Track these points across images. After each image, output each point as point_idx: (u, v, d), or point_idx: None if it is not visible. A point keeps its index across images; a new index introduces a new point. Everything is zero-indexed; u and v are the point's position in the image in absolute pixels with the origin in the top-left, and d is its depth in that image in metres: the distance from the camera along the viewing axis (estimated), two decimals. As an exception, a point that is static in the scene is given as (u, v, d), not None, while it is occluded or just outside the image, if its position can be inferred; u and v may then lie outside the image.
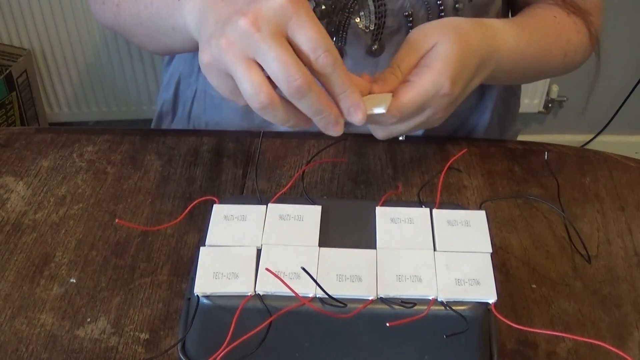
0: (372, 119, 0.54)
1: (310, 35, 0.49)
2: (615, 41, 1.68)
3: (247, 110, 0.77)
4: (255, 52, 0.48)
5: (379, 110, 0.53)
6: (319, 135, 0.74)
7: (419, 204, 0.56)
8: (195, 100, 0.83)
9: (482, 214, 0.55)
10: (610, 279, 0.60)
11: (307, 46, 0.49)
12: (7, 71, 1.59)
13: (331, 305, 0.47)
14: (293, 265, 0.49)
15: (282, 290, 0.47)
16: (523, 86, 0.91)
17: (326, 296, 0.47)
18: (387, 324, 0.47)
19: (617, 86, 1.78)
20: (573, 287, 0.59)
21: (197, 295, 0.49)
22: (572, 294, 0.59)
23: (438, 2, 0.68)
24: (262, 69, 0.49)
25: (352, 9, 0.68)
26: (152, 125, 0.91)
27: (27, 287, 0.58)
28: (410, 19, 0.68)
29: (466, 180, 0.69)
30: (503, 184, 0.69)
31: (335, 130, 0.52)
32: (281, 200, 0.55)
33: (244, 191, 0.67)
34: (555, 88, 1.79)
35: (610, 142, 1.88)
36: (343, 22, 0.68)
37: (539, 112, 1.83)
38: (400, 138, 0.59)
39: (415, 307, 0.47)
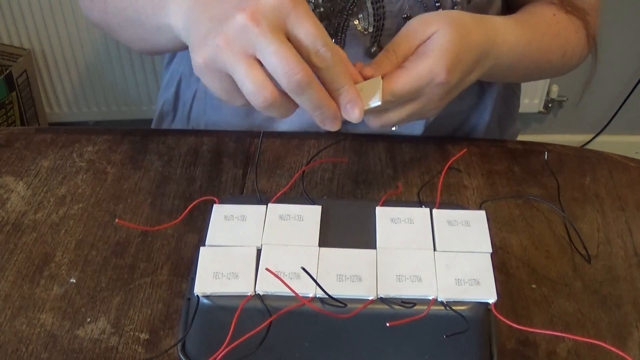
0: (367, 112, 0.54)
1: (308, 30, 0.48)
2: (615, 41, 1.68)
3: (247, 110, 0.77)
4: (255, 48, 0.48)
5: (375, 103, 0.53)
6: (319, 135, 0.74)
7: (419, 204, 0.56)
8: (195, 100, 0.83)
9: (482, 214, 0.55)
10: (610, 279, 0.60)
11: (306, 40, 0.49)
12: (7, 71, 1.59)
13: (331, 305, 0.48)
14: (293, 265, 0.49)
15: (282, 290, 0.47)
16: (523, 86, 0.91)
17: (326, 296, 0.47)
18: (387, 324, 0.47)
19: (617, 86, 1.78)
20: (573, 287, 0.59)
21: (197, 295, 0.49)
22: (572, 294, 0.59)
23: (436, 5, 0.68)
24: (262, 66, 0.48)
25: (350, 12, 0.68)
26: (153, 125, 0.91)
27: (27, 287, 0.58)
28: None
29: (466, 180, 0.69)
30: (503, 184, 0.69)
31: (333, 125, 0.52)
32: (281, 200, 0.55)
33: (244, 191, 0.67)
34: (555, 88, 1.79)
35: (610, 142, 1.88)
36: (342, 24, 0.68)
37: (539, 112, 1.83)
38: (393, 128, 0.59)
39: (415, 307, 0.47)
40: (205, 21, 0.50)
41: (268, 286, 0.48)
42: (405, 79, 0.55)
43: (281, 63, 0.47)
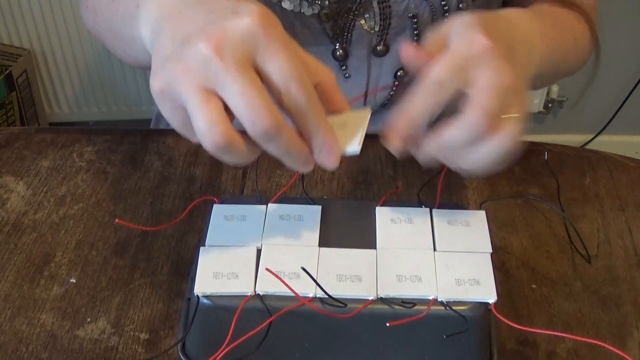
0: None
1: (281, 65, 0.42)
2: (615, 41, 1.68)
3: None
4: (216, 84, 0.42)
5: (353, 149, 0.46)
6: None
7: (419, 204, 0.56)
8: None
9: (482, 214, 0.55)
10: (610, 279, 0.60)
11: (278, 77, 0.42)
12: (7, 71, 1.59)
13: (331, 305, 0.48)
14: (293, 265, 0.49)
15: (282, 290, 0.47)
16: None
17: (326, 296, 0.47)
18: (387, 324, 0.47)
19: (617, 86, 1.78)
20: (573, 287, 0.59)
21: (197, 295, 0.49)
22: (572, 294, 0.59)
23: (442, 2, 0.68)
24: (222, 102, 0.42)
25: (356, 12, 0.68)
26: (151, 126, 0.91)
27: (27, 287, 0.58)
28: (415, 20, 0.68)
29: (466, 180, 0.69)
30: (503, 184, 0.69)
31: (303, 170, 0.46)
32: (281, 200, 0.55)
33: (244, 191, 0.67)
34: (555, 88, 1.79)
35: (610, 142, 1.88)
36: (348, 24, 0.68)
37: (539, 112, 1.83)
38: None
39: (415, 307, 0.47)
40: (168, 41, 0.44)
41: (268, 286, 0.48)
42: (436, 63, 0.46)
43: (246, 106, 0.41)
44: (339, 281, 0.49)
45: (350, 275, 0.49)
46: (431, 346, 0.50)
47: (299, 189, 0.65)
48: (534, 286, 0.59)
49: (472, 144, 0.46)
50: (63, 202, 0.66)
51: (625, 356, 0.51)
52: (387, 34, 0.69)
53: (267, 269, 0.49)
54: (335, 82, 0.47)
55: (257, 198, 0.56)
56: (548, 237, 0.64)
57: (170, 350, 0.53)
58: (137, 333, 0.55)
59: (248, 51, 0.42)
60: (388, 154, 0.72)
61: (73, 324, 0.56)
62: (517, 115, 0.46)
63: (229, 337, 0.46)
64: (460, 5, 0.68)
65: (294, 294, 0.47)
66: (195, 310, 0.49)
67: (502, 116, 0.45)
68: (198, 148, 0.72)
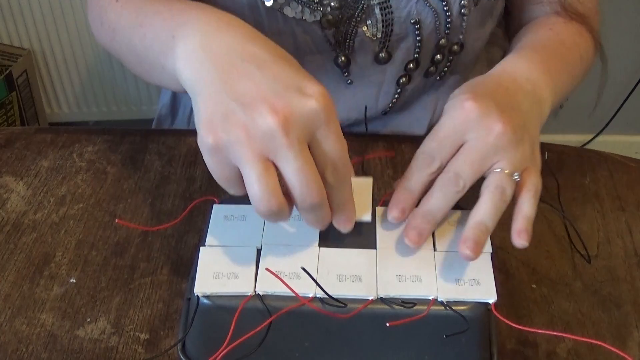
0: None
1: (333, 147, 0.46)
2: (616, 41, 1.68)
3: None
4: (275, 155, 0.44)
5: (366, 218, 0.52)
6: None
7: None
8: None
9: (482, 214, 0.55)
10: (610, 279, 0.60)
11: (329, 157, 0.46)
12: (7, 71, 1.59)
13: (331, 305, 0.48)
14: (293, 265, 0.49)
15: (282, 290, 0.47)
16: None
17: (326, 296, 0.47)
18: (387, 324, 0.47)
19: (617, 86, 1.78)
20: (573, 287, 0.59)
21: (197, 295, 0.49)
22: (572, 294, 0.59)
23: (445, 9, 0.67)
24: (277, 171, 0.45)
25: (359, 18, 0.67)
26: (153, 126, 0.91)
27: (27, 287, 0.58)
28: (418, 26, 0.68)
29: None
30: (503, 184, 0.69)
31: (319, 229, 0.51)
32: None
33: (244, 191, 0.67)
34: (555, 88, 1.78)
35: (610, 142, 1.87)
36: (350, 31, 0.68)
37: (539, 112, 1.82)
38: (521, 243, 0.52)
39: (415, 307, 0.47)
40: (224, 96, 0.45)
41: (268, 286, 0.48)
42: (428, 137, 0.53)
43: (301, 182, 0.45)
44: (339, 281, 0.49)
45: (350, 275, 0.49)
46: (431, 346, 0.50)
47: (299, 189, 0.65)
48: (534, 286, 0.59)
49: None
50: (63, 202, 0.66)
51: (625, 356, 0.51)
52: (389, 40, 0.69)
53: (267, 269, 0.49)
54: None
55: (257, 198, 0.56)
56: (548, 237, 0.64)
57: (170, 350, 0.53)
58: (137, 333, 0.55)
59: (309, 131, 0.45)
60: (388, 154, 0.72)
61: (73, 324, 0.56)
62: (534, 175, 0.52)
63: (229, 337, 0.46)
64: (463, 11, 0.68)
65: (294, 294, 0.47)
66: (195, 310, 0.49)
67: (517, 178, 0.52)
68: (198, 148, 0.72)
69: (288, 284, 0.47)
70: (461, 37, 0.71)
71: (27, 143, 0.73)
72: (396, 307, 0.48)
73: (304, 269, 0.48)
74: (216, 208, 0.54)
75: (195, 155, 0.71)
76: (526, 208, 0.51)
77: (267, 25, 0.67)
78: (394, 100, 0.75)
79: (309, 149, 0.46)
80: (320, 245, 0.52)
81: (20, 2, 1.56)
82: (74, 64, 1.68)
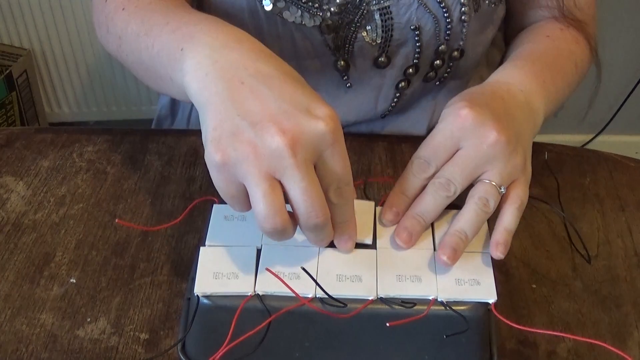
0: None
1: (338, 168, 0.47)
2: (615, 41, 1.68)
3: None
4: (282, 175, 0.45)
5: (368, 241, 0.52)
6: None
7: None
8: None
9: (482, 214, 0.55)
10: (610, 279, 0.60)
11: (334, 177, 0.47)
12: (7, 71, 1.59)
13: (331, 305, 0.48)
14: (293, 265, 0.49)
15: (282, 290, 0.47)
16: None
17: (326, 296, 0.47)
18: (387, 324, 0.47)
19: (617, 86, 1.78)
20: (573, 287, 0.59)
21: (197, 295, 0.49)
22: (572, 294, 0.59)
23: (445, 15, 0.67)
24: (282, 188, 0.46)
25: (358, 24, 0.67)
26: (153, 126, 0.91)
27: (27, 287, 0.58)
28: (417, 32, 0.68)
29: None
30: (503, 184, 0.69)
31: (320, 246, 0.51)
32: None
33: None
34: (555, 88, 1.78)
35: (610, 142, 1.87)
36: (350, 36, 0.68)
37: (539, 112, 1.82)
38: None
39: (415, 307, 0.47)
40: (232, 114, 0.45)
41: (268, 286, 0.48)
42: (424, 143, 0.53)
43: (306, 203, 0.45)
44: (339, 281, 0.49)
45: (350, 275, 0.49)
46: (431, 346, 0.50)
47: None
48: (534, 286, 0.59)
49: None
50: (63, 202, 0.66)
51: (625, 356, 0.51)
52: (388, 46, 0.69)
53: (267, 269, 0.49)
54: None
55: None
56: (548, 237, 0.64)
57: (170, 350, 0.53)
58: (137, 333, 0.55)
59: (316, 152, 0.46)
60: (388, 154, 0.72)
61: (73, 324, 0.56)
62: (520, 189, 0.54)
63: (229, 337, 0.46)
64: (463, 18, 0.68)
65: (293, 294, 0.47)
66: (195, 310, 0.49)
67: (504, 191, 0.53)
68: (198, 148, 0.72)
69: (288, 284, 0.47)
70: (461, 43, 0.71)
71: (27, 143, 0.73)
72: (396, 307, 0.48)
73: (304, 269, 0.48)
74: (216, 208, 0.54)
75: (195, 155, 0.71)
76: (508, 220, 0.52)
77: (267, 29, 0.67)
78: (393, 104, 0.75)
79: (314, 168, 0.46)
80: (320, 245, 0.52)
81: (20, 2, 1.56)
82: (74, 64, 1.68)
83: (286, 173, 0.45)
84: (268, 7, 0.65)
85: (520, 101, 0.58)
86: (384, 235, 0.53)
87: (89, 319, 0.56)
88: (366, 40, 0.68)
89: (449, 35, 0.69)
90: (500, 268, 0.60)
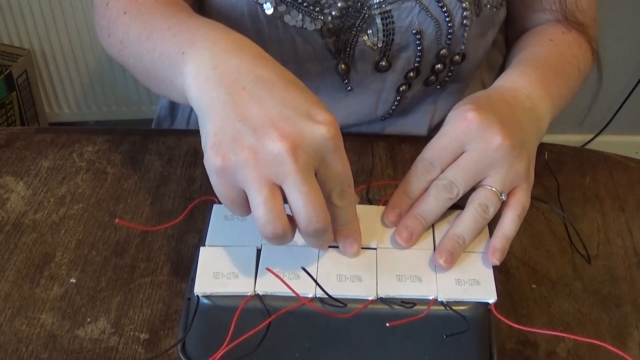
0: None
1: (339, 172, 0.47)
2: (616, 42, 1.68)
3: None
4: (283, 181, 0.45)
5: (373, 246, 0.52)
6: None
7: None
8: None
9: (482, 214, 0.55)
10: (610, 279, 0.60)
11: (334, 181, 0.47)
12: (7, 71, 1.59)
13: (331, 305, 0.48)
14: (293, 265, 0.49)
15: (282, 290, 0.47)
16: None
17: (326, 296, 0.47)
18: (387, 324, 0.47)
19: (617, 86, 1.78)
20: (573, 287, 0.59)
21: (197, 295, 0.49)
22: (572, 294, 0.59)
23: (447, 19, 0.67)
24: (282, 194, 0.46)
25: (359, 28, 0.67)
26: (153, 126, 0.91)
27: (27, 287, 0.58)
28: (419, 36, 0.68)
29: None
30: (503, 184, 0.69)
31: (320, 249, 0.51)
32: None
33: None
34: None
35: (610, 142, 1.87)
36: (351, 40, 0.68)
37: (539, 112, 1.82)
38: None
39: (415, 307, 0.47)
40: (233, 119, 0.45)
41: (268, 286, 0.48)
42: (429, 145, 0.54)
43: (306, 207, 0.45)
44: (339, 281, 0.49)
45: (350, 276, 0.49)
46: (431, 346, 0.50)
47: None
48: (534, 286, 0.59)
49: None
50: (63, 202, 0.66)
51: (625, 356, 0.51)
52: (390, 50, 0.69)
53: (267, 269, 0.49)
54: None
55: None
56: (548, 237, 0.64)
57: (170, 350, 0.53)
58: (137, 333, 0.55)
59: (317, 158, 0.45)
60: (388, 154, 0.72)
61: (73, 324, 0.56)
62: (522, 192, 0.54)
63: (228, 337, 0.46)
64: (465, 22, 0.68)
65: (294, 294, 0.47)
66: (195, 310, 0.49)
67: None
68: (198, 148, 0.72)
69: (288, 283, 0.47)
70: (462, 47, 0.70)
71: (27, 143, 0.73)
72: (396, 307, 0.48)
73: (304, 269, 0.48)
74: (216, 208, 0.54)
75: (195, 155, 0.71)
76: (508, 226, 0.53)
77: (268, 33, 0.67)
78: (393, 107, 0.75)
79: (315, 173, 0.46)
80: (320, 245, 0.52)
81: (20, 2, 1.56)
82: (74, 64, 1.68)
83: (287, 178, 0.44)
84: (269, 10, 0.65)
85: (526, 107, 0.58)
86: (384, 236, 0.53)
87: (89, 319, 0.56)
88: (367, 44, 0.68)
89: (450, 39, 0.69)
90: (500, 268, 0.60)
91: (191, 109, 0.84)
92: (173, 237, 0.63)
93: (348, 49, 0.68)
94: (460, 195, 0.53)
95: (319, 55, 0.69)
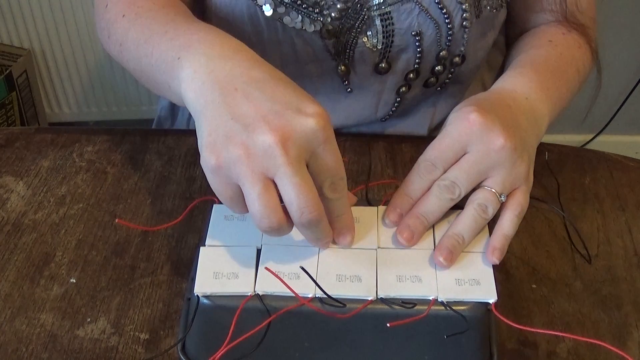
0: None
1: (330, 164, 0.47)
2: (616, 42, 1.68)
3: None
4: (275, 174, 0.45)
5: (372, 246, 0.52)
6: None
7: (419, 204, 0.56)
8: None
9: (482, 214, 0.55)
10: (610, 279, 0.60)
11: (326, 173, 0.47)
12: (7, 71, 1.59)
13: (330, 305, 0.47)
14: (293, 265, 0.49)
15: (282, 290, 0.47)
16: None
17: (325, 296, 0.47)
18: (388, 325, 0.47)
19: (617, 86, 1.78)
20: (573, 287, 0.59)
21: (197, 295, 0.49)
22: (572, 294, 0.59)
23: (446, 21, 0.67)
24: (276, 188, 0.46)
25: (359, 29, 0.67)
26: (153, 126, 0.91)
27: (27, 287, 0.58)
28: (418, 37, 0.68)
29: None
30: (503, 184, 0.69)
31: (322, 248, 0.51)
32: (281, 200, 0.55)
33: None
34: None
35: (610, 142, 1.87)
36: (350, 41, 0.67)
37: (539, 112, 1.82)
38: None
39: (416, 308, 0.47)
40: (227, 118, 0.46)
41: (268, 286, 0.48)
42: (431, 145, 0.54)
43: (299, 198, 0.45)
44: (339, 281, 0.49)
45: (350, 276, 0.49)
46: (431, 346, 0.50)
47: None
48: (534, 286, 0.59)
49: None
50: (63, 202, 0.66)
51: (626, 356, 0.51)
52: (389, 51, 0.68)
53: (267, 269, 0.49)
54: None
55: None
56: (548, 237, 0.64)
57: (170, 350, 0.53)
58: (137, 333, 0.55)
59: (308, 149, 0.46)
60: (388, 154, 0.72)
61: (73, 324, 0.56)
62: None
63: (228, 337, 0.46)
64: (465, 24, 0.68)
65: (293, 294, 0.47)
66: (195, 310, 0.49)
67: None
68: (198, 148, 0.72)
69: (288, 284, 0.47)
70: (462, 49, 0.70)
71: (27, 143, 0.73)
72: (396, 307, 0.48)
73: (303, 269, 0.48)
74: (216, 208, 0.54)
75: (195, 155, 0.71)
76: (507, 226, 0.53)
77: (267, 35, 0.67)
78: (394, 108, 0.75)
79: (307, 166, 0.47)
80: (320, 245, 0.52)
81: (20, 2, 1.56)
82: (74, 64, 1.68)
83: (279, 171, 0.45)
84: (268, 12, 0.65)
85: (525, 109, 0.58)
86: (384, 236, 0.53)
87: (89, 319, 0.56)
88: (367, 45, 0.68)
89: (450, 41, 0.69)
90: (500, 268, 0.60)
91: None
92: (173, 237, 0.63)
93: (348, 51, 0.68)
94: (462, 195, 0.53)
95: (318, 56, 0.69)
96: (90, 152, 0.72)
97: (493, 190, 0.53)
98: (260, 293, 0.48)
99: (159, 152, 0.72)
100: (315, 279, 0.48)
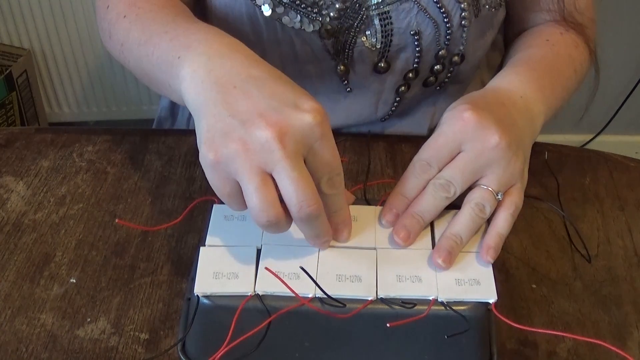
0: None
1: (328, 159, 0.47)
2: (615, 41, 1.68)
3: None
4: (273, 168, 0.45)
5: (369, 245, 0.52)
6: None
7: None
8: None
9: (482, 214, 0.55)
10: (610, 279, 0.60)
11: (323, 169, 0.48)
12: (7, 71, 1.59)
13: (330, 305, 0.47)
14: (293, 265, 0.49)
15: (281, 290, 0.47)
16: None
17: (325, 296, 0.47)
18: (388, 325, 0.47)
19: (617, 86, 1.78)
20: (573, 287, 0.59)
21: (197, 295, 0.49)
22: (572, 294, 0.59)
23: (445, 20, 0.67)
24: (274, 183, 0.46)
25: (358, 29, 0.67)
26: (154, 127, 0.91)
27: (27, 287, 0.58)
28: (417, 37, 0.68)
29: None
30: (503, 184, 0.69)
31: (321, 248, 0.51)
32: (281, 200, 0.55)
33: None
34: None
35: (610, 142, 1.87)
36: (349, 41, 0.68)
37: (539, 112, 1.82)
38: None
39: (416, 308, 0.47)
40: (225, 115, 0.47)
41: (268, 286, 0.48)
42: (426, 145, 0.54)
43: (297, 192, 0.45)
44: (339, 281, 0.49)
45: (350, 276, 0.49)
46: (431, 346, 0.50)
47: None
48: (534, 286, 0.59)
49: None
50: (63, 202, 0.66)
51: (626, 356, 0.51)
52: (388, 51, 0.68)
53: (267, 269, 0.49)
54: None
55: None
56: (548, 237, 0.64)
57: (170, 350, 0.53)
58: (137, 333, 0.55)
59: (305, 145, 0.46)
60: (388, 154, 0.72)
61: (73, 324, 0.56)
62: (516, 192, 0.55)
63: (228, 337, 0.46)
64: (463, 23, 0.68)
65: (293, 294, 0.47)
66: (195, 310, 0.49)
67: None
68: (198, 148, 0.72)
69: (288, 284, 0.47)
70: (461, 48, 0.70)
71: (27, 143, 0.73)
72: (396, 307, 0.48)
73: (303, 269, 0.48)
74: (216, 208, 0.54)
75: (195, 155, 0.71)
76: (501, 225, 0.53)
77: (266, 35, 0.67)
78: (393, 108, 0.75)
79: (305, 162, 0.47)
80: (320, 245, 0.52)
81: (20, 2, 1.56)
82: (74, 64, 1.68)
83: (276, 165, 0.45)
84: (267, 12, 0.65)
85: (520, 107, 0.58)
86: (383, 236, 0.53)
87: (89, 319, 0.56)
88: (366, 45, 0.68)
89: (449, 40, 0.69)
90: (500, 268, 0.60)
91: None
92: (173, 237, 0.63)
93: (347, 50, 0.68)
94: (458, 194, 0.53)
95: (317, 56, 0.69)
96: (90, 152, 0.72)
97: (489, 188, 0.53)
98: (260, 293, 0.48)
99: (159, 152, 0.72)
100: (315, 279, 0.48)
